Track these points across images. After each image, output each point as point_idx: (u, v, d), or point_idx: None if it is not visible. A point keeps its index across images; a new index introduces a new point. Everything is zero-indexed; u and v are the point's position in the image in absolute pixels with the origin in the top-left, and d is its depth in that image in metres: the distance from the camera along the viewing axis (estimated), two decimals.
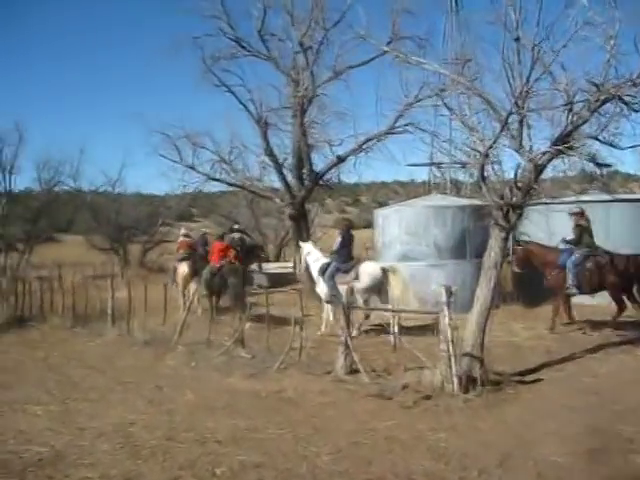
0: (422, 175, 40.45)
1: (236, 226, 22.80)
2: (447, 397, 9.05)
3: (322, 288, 14.64)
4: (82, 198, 47.13)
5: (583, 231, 13.63)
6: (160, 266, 37.32)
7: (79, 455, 7.41)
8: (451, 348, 9.15)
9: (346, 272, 14.12)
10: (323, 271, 14.52)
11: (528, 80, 9.84)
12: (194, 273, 18.76)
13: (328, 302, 14.41)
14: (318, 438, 7.72)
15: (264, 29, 18.70)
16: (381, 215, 17.60)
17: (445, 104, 10.93)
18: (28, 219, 45.49)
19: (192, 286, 17.25)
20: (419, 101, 16.93)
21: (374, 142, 18.11)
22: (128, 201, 47.69)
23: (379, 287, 13.90)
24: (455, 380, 9.11)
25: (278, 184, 20.26)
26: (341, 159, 18.48)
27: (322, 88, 18.73)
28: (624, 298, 13.36)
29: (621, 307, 13.40)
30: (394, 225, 16.83)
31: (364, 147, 18.18)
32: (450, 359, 9.15)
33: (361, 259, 15.80)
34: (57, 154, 51.36)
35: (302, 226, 19.23)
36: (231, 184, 20.22)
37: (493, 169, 10.58)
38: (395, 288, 13.69)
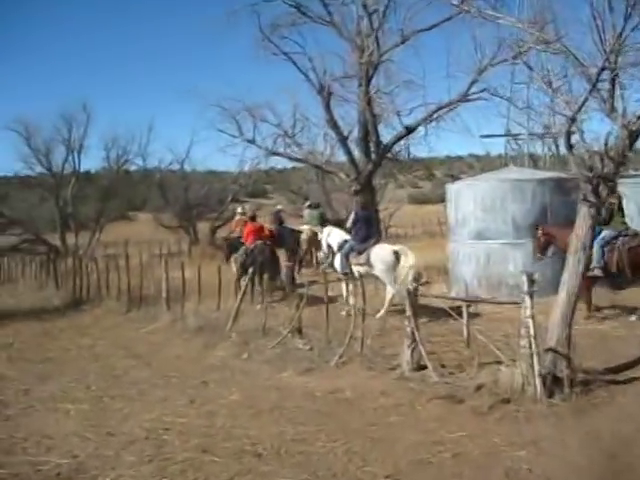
0: (498, 148, 38.46)
1: (307, 203, 21.97)
2: (528, 401, 7.75)
3: (337, 263, 14.28)
4: (151, 176, 47.07)
5: (616, 209, 12.35)
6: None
7: (100, 469, 6.45)
8: (534, 345, 7.84)
9: (360, 253, 13.68)
10: (340, 247, 14.18)
11: (622, 32, 8.37)
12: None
13: (340, 279, 14.20)
14: (375, 454, 6.55)
15: None
16: (453, 190, 16.18)
17: (525, 63, 9.49)
18: (98, 198, 45.66)
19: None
20: (495, 65, 15.50)
21: (446, 111, 16.69)
22: (197, 179, 47.34)
23: (394, 269, 13.25)
24: (538, 381, 7.80)
25: (343, 158, 19.03)
26: (410, 130, 17.10)
27: (388, 54, 17.34)
28: None
29: None
30: (468, 200, 15.40)
31: (435, 116, 16.78)
32: (532, 357, 7.85)
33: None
34: (125, 133, 51.75)
35: (369, 202, 17.98)
36: (294, 159, 19.11)
37: (581, 137, 9.14)
38: (403, 269, 13.06)
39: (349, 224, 14.58)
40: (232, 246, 17.15)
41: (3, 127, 47.34)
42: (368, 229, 14.19)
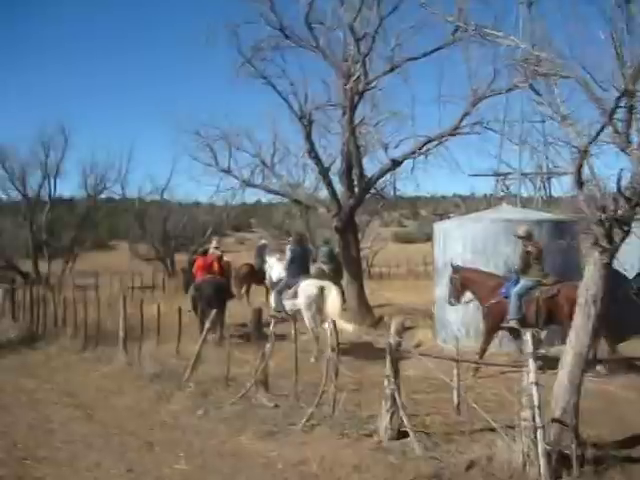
0: (485, 188, 37.34)
1: (290, 237, 20.99)
2: None
3: (271, 300, 14.31)
4: (129, 205, 45.71)
5: (532, 260, 11.92)
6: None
7: None
8: (538, 417, 6.56)
9: (289, 288, 13.65)
10: (276, 284, 14.41)
11: None
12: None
13: (271, 316, 13.74)
14: None
15: (312, 16, 16.29)
16: (441, 229, 14.99)
17: (532, 87, 8.28)
18: (73, 225, 44.22)
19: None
20: (489, 95, 14.47)
21: (435, 144, 15.53)
22: (177, 209, 46.10)
23: (318, 306, 13.10)
24: (542, 461, 6.51)
25: (324, 192, 17.85)
26: (396, 163, 15.89)
27: (376, 82, 16.23)
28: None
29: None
30: (457, 242, 14.20)
31: (423, 150, 15.60)
32: (536, 431, 6.56)
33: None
34: (104, 159, 50.61)
35: (351, 240, 16.76)
36: (272, 191, 17.85)
37: (592, 173, 7.96)
38: (330, 307, 12.86)
39: (286, 262, 14.40)
40: (188, 276, 17.23)
41: None
42: (301, 265, 13.99)
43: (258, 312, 12.34)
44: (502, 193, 30.07)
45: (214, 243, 18.88)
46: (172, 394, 10.32)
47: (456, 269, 12.92)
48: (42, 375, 12.63)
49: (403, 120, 16.32)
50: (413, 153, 15.61)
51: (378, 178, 16.34)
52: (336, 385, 8.73)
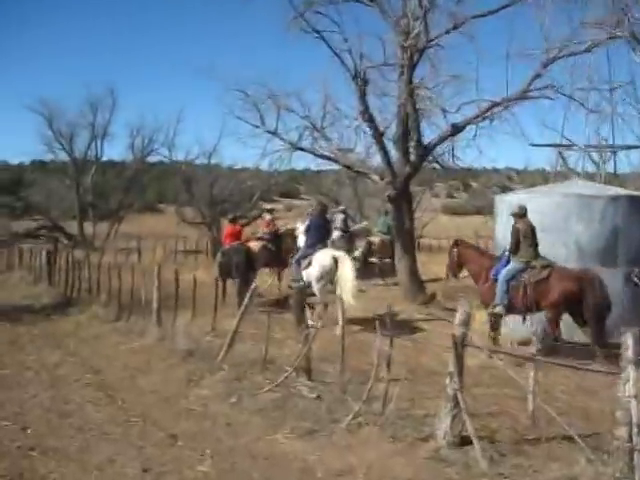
0: (540, 161, 35.18)
1: (341, 207, 20.48)
2: None
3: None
4: (177, 169, 44.99)
5: (521, 237, 11.14)
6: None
7: None
8: (636, 437, 5.36)
9: (305, 258, 13.12)
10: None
11: None
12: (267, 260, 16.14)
13: (289, 286, 13.73)
14: None
15: None
16: (505, 202, 13.64)
17: (634, 35, 6.94)
18: (120, 188, 43.73)
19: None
20: (564, 56, 13.05)
21: (501, 109, 14.13)
22: (225, 174, 45.26)
23: (331, 276, 12.59)
24: None
25: (378, 158, 16.57)
26: (458, 128, 14.53)
27: (437, 41, 14.86)
28: (560, 322, 10.87)
29: (557, 331, 10.78)
30: None
31: (488, 115, 14.22)
32: (633, 454, 5.37)
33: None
34: (152, 122, 50.03)
35: (404, 210, 15.54)
36: (321, 156, 16.64)
37: None
38: (341, 278, 12.32)
39: (303, 230, 14.25)
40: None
41: (26, 108, 45.82)
42: (318, 235, 13.35)
43: (301, 291, 11.16)
44: (560, 167, 28.25)
45: (269, 209, 18.87)
46: (203, 376, 9.32)
47: (456, 243, 12.51)
48: (69, 347, 11.84)
49: (465, 83, 14.93)
50: (476, 118, 14.24)
51: (437, 145, 15.01)
52: (388, 378, 7.59)
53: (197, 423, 7.63)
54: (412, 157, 15.09)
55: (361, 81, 14.54)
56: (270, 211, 18.86)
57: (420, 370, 9.50)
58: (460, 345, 6.77)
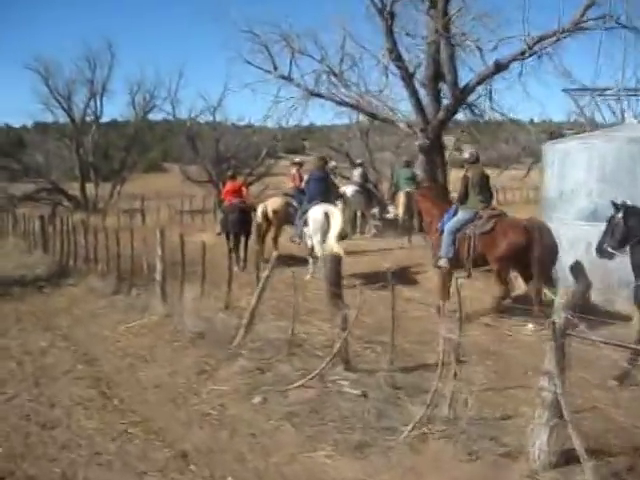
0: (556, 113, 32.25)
1: (359, 161, 18.87)
2: None
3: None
4: (180, 126, 43.12)
5: (470, 185, 10.23)
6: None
7: None
8: None
9: (304, 214, 12.95)
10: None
11: None
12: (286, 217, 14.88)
13: (292, 241, 13.74)
14: None
15: None
16: (557, 151, 11.88)
17: None
18: (122, 147, 41.94)
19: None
20: None
21: (551, 42, 12.22)
22: (230, 130, 43.43)
23: (324, 231, 12.42)
24: None
25: (405, 104, 14.72)
26: (501, 66, 12.62)
27: None
28: (511, 279, 10.11)
29: (505, 289, 9.71)
30: (579, 166, 11.10)
31: (535, 50, 12.32)
32: None
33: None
34: (152, 77, 47.98)
35: (437, 162, 13.80)
36: (340, 102, 14.84)
37: None
38: (330, 233, 12.19)
39: (303, 186, 13.89)
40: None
41: (21, 66, 43.78)
42: (317, 189, 12.92)
43: (336, 260, 9.35)
44: (575, 117, 26.12)
45: (298, 159, 17.78)
46: (218, 366, 7.69)
47: (418, 188, 12.28)
48: (60, 328, 10.23)
49: (503, 16, 13.02)
50: (522, 54, 12.36)
51: (476, 85, 13.15)
52: (456, 374, 5.92)
53: (213, 433, 6.01)
54: (444, 101, 13.25)
55: (387, 15, 12.65)
56: (298, 164, 17.15)
57: (492, 359, 7.77)
58: (560, 335, 5.08)
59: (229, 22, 14.65)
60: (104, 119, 42.12)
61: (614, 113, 25.14)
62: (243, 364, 7.67)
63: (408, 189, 16.93)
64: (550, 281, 9.55)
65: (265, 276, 8.25)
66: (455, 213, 10.21)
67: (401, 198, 16.36)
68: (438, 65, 13.39)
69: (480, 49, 13.16)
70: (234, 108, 69.23)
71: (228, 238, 15.06)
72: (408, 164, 17.80)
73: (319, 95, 14.64)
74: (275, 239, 15.31)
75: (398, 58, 12.92)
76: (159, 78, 41.50)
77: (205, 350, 8.30)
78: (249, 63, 14.82)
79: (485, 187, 10.27)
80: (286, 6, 53.26)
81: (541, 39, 12.13)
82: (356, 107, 14.55)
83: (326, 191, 13.19)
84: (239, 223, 14.94)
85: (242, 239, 15.03)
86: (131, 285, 11.96)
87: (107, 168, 41.55)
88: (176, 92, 40.55)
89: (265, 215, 15.51)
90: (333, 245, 11.74)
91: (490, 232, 9.79)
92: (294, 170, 16.81)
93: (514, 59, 12.41)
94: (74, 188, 39.56)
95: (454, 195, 11.93)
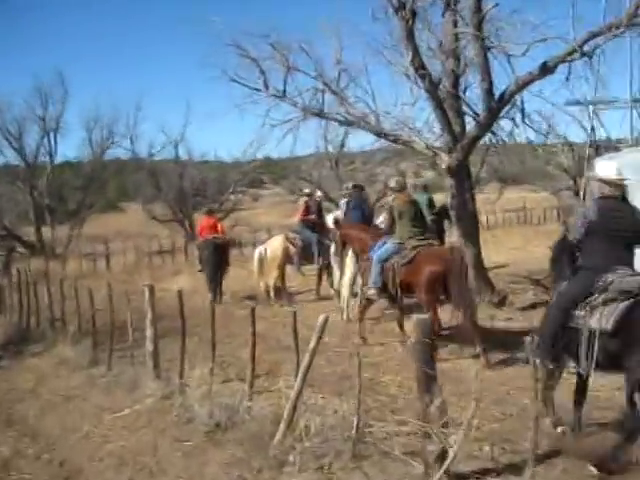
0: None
1: (349, 184, 17.07)
2: None
3: None
4: (140, 162, 40.74)
5: (396, 215, 10.16)
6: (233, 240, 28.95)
7: None
8: None
9: None
10: None
11: None
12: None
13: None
14: None
15: None
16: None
17: None
18: (79, 187, 39.29)
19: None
20: None
21: (606, 38, 10.24)
22: (193, 166, 41.24)
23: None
24: None
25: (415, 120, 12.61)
26: (547, 69, 10.53)
27: None
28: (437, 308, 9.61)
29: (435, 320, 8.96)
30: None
31: (585, 49, 10.34)
32: None
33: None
34: (110, 111, 45.15)
35: (465, 186, 11.79)
36: (345, 122, 12.73)
37: None
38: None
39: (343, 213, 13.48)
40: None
41: None
42: (357, 219, 12.55)
43: (426, 324, 6.87)
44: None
45: (307, 190, 17.18)
46: None
47: (336, 224, 12.38)
48: (26, 420, 7.79)
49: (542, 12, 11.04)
50: (571, 53, 10.37)
51: (515, 93, 11.06)
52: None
53: None
54: (480, 113, 11.17)
55: (408, 13, 10.58)
56: (308, 195, 15.83)
57: None
58: None
59: (212, 35, 12.41)
60: (58, 159, 39.37)
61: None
62: (294, 476, 5.42)
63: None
64: (471, 306, 9.52)
65: (312, 348, 5.98)
66: (384, 244, 10.15)
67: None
68: (456, 75, 11.40)
69: (508, 54, 11.15)
70: (197, 142, 66.49)
71: (206, 274, 15.45)
72: (425, 188, 16.20)
73: (319, 114, 12.52)
74: (282, 283, 14.58)
75: (421, 65, 10.84)
76: (116, 112, 38.80)
77: (232, 453, 6.02)
78: (235, 81, 12.63)
79: (414, 215, 10.15)
80: (274, 16, 50.48)
81: (589, 38, 10.16)
82: (363, 126, 12.42)
83: (365, 220, 12.61)
84: (215, 258, 15.15)
85: (218, 273, 15.24)
86: (111, 353, 9.55)
87: (63, 210, 38.80)
88: (134, 126, 38.18)
89: (262, 258, 14.00)
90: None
91: (411, 263, 9.69)
92: (302, 201, 15.50)
93: (562, 60, 10.41)
94: (29, 233, 36.80)
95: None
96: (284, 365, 8.63)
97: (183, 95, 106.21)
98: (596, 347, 5.50)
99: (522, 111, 11.89)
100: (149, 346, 8.38)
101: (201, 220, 17.65)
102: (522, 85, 10.71)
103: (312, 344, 5.97)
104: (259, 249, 14.78)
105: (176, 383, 7.83)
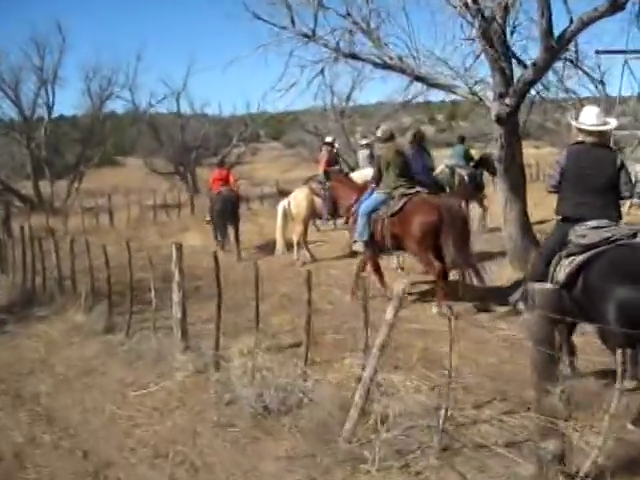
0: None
1: (365, 141, 16.10)
2: None
3: None
4: (140, 115, 39.37)
5: (383, 165, 9.77)
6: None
7: None
8: None
9: None
10: None
11: None
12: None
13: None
14: None
15: None
16: None
17: None
18: (78, 141, 37.98)
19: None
20: None
21: None
22: (196, 117, 39.94)
23: None
24: None
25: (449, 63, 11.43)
26: (617, 5, 9.27)
27: None
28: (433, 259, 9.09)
29: (436, 272, 9.03)
30: None
31: None
32: None
33: None
34: (109, 61, 43.70)
35: (513, 136, 10.70)
36: (382, 65, 11.54)
37: None
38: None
39: None
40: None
41: None
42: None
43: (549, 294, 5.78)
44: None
45: (329, 138, 16.08)
46: None
47: (327, 176, 12.55)
48: (38, 397, 6.78)
49: None
50: None
51: (576, 34, 9.85)
52: None
53: None
54: (537, 56, 10.01)
55: None
56: (330, 144, 15.21)
57: None
58: None
59: None
60: (56, 113, 37.98)
61: None
62: (373, 477, 4.45)
63: (462, 172, 14.74)
64: (468, 262, 9.07)
65: (388, 323, 4.95)
66: (370, 195, 9.86)
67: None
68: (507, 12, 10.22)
69: None
70: (198, 92, 64.36)
71: (216, 227, 15.27)
72: (462, 140, 15.50)
73: (352, 56, 11.36)
74: (304, 239, 13.67)
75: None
76: (117, 62, 37.44)
77: (292, 446, 5.04)
78: (260, 18, 11.40)
79: (401, 165, 9.76)
80: None
81: None
82: (401, 69, 11.25)
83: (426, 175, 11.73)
84: (227, 212, 14.89)
85: (231, 228, 14.89)
86: (130, 318, 8.54)
87: (62, 164, 37.56)
88: (134, 77, 36.80)
89: (286, 213, 13.05)
90: None
91: (400, 212, 9.32)
92: (324, 151, 14.76)
93: None
94: (26, 187, 35.63)
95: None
96: (329, 334, 7.73)
97: (186, 46, 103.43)
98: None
99: (576, 54, 10.72)
100: (177, 312, 7.35)
101: (214, 172, 16.88)
102: (586, 23, 9.51)
103: (389, 315, 4.94)
104: (283, 203, 13.77)
105: (209, 355, 6.82)
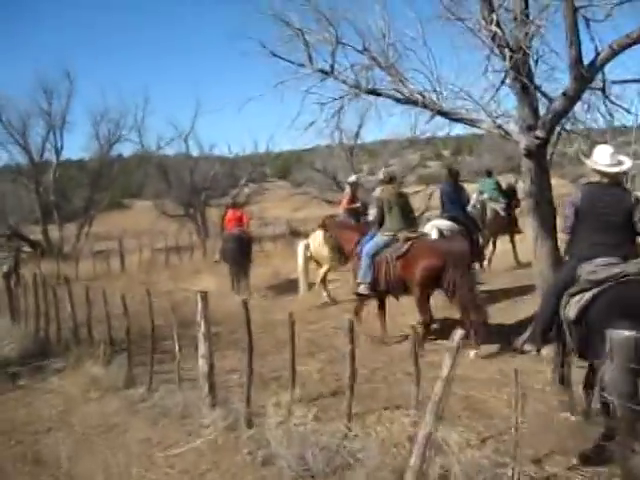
0: None
1: (380, 176, 15.73)
2: None
3: None
4: (148, 157, 39.30)
5: (385, 207, 9.88)
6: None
7: None
8: None
9: None
10: None
11: None
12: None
13: None
14: None
15: None
16: None
17: None
18: (86, 184, 37.79)
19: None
20: None
21: None
22: (205, 158, 39.78)
23: None
24: None
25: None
26: None
27: None
28: (429, 306, 9.33)
29: (425, 315, 9.19)
30: None
31: None
32: None
33: None
34: (116, 104, 43.68)
35: (542, 169, 10.31)
36: (400, 100, 11.22)
37: None
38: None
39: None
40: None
41: None
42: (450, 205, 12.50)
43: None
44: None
45: (353, 177, 15.59)
46: None
47: (323, 223, 12.54)
48: (58, 461, 6.32)
49: None
50: None
51: (606, 62, 9.54)
52: None
53: None
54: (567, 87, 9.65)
55: None
56: (353, 184, 14.73)
57: None
58: None
59: (249, 5, 10.84)
60: (64, 155, 37.90)
61: None
62: None
63: (495, 206, 14.82)
64: (474, 303, 9.01)
65: (445, 376, 4.52)
66: (373, 237, 9.92)
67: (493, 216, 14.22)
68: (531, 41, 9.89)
69: (587, 19, 9.62)
70: (204, 134, 64.71)
71: (230, 269, 15.28)
72: (490, 174, 15.33)
73: (372, 91, 11.02)
74: (323, 280, 13.37)
75: (500, 28, 9.33)
76: (124, 106, 37.39)
77: None
78: (277, 56, 11.10)
79: (403, 207, 9.95)
80: None
81: None
82: (424, 104, 10.91)
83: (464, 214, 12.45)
84: (239, 251, 15.00)
85: (242, 268, 14.97)
86: (151, 371, 8.10)
87: (69, 208, 37.40)
88: (142, 119, 36.77)
89: (307, 253, 12.85)
90: None
91: (405, 255, 9.39)
92: (348, 189, 14.55)
93: None
94: (34, 232, 35.42)
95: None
96: (363, 383, 7.25)
97: (192, 89, 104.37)
98: (571, 336, 5.58)
99: (603, 84, 10.36)
100: (203, 365, 6.92)
101: (228, 213, 17.23)
102: (617, 50, 9.19)
103: (445, 370, 4.51)
104: (302, 243, 13.65)
105: (240, 411, 6.37)
